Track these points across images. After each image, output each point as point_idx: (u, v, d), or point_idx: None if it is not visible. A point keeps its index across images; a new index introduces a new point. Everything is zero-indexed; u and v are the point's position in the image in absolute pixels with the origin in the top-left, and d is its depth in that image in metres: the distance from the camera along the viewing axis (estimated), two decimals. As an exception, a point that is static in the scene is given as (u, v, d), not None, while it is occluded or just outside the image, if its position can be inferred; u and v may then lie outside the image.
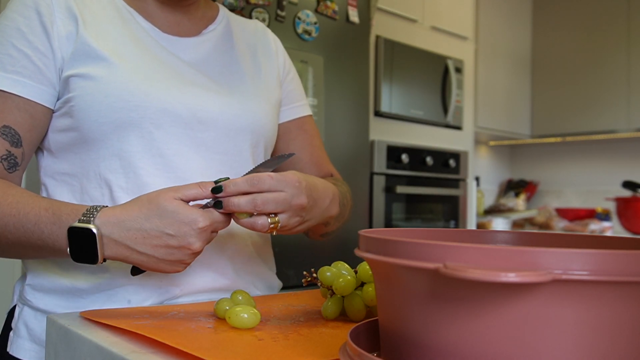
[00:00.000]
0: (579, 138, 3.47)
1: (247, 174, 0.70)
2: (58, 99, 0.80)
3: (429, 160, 2.65)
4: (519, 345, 0.35)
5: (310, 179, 0.75)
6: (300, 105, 1.02)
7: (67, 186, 0.81)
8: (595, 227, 3.14)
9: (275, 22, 1.88)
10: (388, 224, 2.50)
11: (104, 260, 0.67)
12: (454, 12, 2.97)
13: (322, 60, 2.03)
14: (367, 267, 0.68)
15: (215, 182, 0.68)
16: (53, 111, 0.80)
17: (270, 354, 0.51)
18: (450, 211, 2.81)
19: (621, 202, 3.14)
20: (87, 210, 0.67)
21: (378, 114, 2.53)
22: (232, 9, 1.77)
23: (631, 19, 3.21)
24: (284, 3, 1.91)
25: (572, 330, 0.34)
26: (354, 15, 2.14)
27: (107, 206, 0.68)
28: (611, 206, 3.34)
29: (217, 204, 0.68)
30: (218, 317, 0.66)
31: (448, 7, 2.93)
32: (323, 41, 2.05)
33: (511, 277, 0.31)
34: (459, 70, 2.89)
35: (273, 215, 0.69)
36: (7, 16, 0.79)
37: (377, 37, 2.54)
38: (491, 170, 3.89)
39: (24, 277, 0.84)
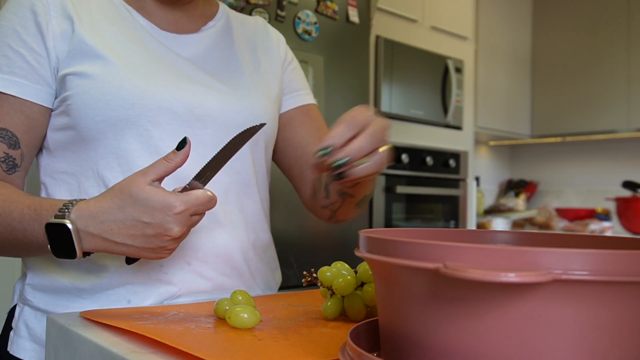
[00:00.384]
0: (579, 138, 3.47)
1: (213, 157, 0.68)
2: (56, 98, 0.80)
3: (429, 160, 2.65)
4: (519, 345, 0.35)
5: None
6: (304, 93, 1.00)
7: (65, 185, 0.81)
8: (595, 227, 3.14)
9: (275, 22, 1.88)
10: (388, 224, 2.50)
11: (86, 254, 0.67)
12: (454, 12, 2.97)
13: (322, 60, 2.03)
14: (368, 267, 0.68)
15: (195, 177, 0.68)
16: (51, 110, 0.80)
17: (270, 354, 0.51)
18: (450, 211, 2.81)
19: (621, 202, 3.14)
20: (63, 205, 0.67)
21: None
22: (232, 9, 1.77)
23: (631, 19, 3.21)
24: (284, 3, 1.91)
25: (572, 330, 0.34)
26: (354, 15, 2.14)
27: (83, 199, 0.68)
28: (611, 206, 3.34)
29: (339, 176, 0.60)
30: (218, 317, 0.66)
31: (448, 7, 2.93)
32: (323, 41, 2.05)
33: (511, 277, 0.31)
34: (459, 70, 2.89)
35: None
36: (3, 16, 0.79)
37: (377, 37, 2.54)
38: (491, 170, 3.89)
39: (24, 276, 0.84)
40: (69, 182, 0.81)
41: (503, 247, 0.34)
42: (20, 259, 1.71)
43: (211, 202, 0.67)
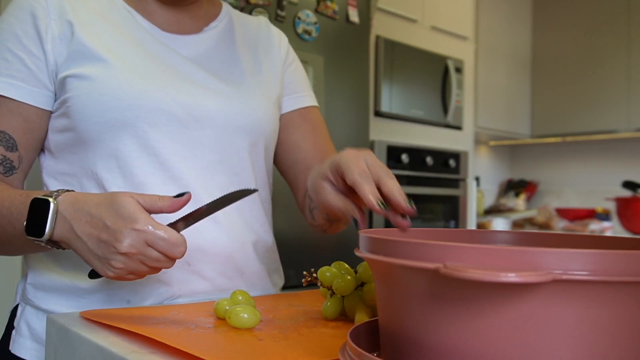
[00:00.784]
0: (579, 138, 3.47)
1: (203, 206, 0.66)
2: (56, 100, 0.80)
3: (429, 160, 2.65)
4: (519, 345, 0.35)
5: None
6: (304, 95, 1.00)
7: (67, 186, 0.81)
8: (595, 227, 3.14)
9: (275, 22, 1.88)
10: (388, 224, 2.50)
11: (51, 243, 0.67)
12: (454, 12, 2.97)
13: (322, 60, 2.03)
14: (368, 266, 0.68)
15: (181, 219, 0.65)
16: (51, 112, 0.81)
17: (270, 354, 0.51)
18: (450, 211, 2.81)
19: (621, 202, 3.14)
20: (57, 190, 0.68)
21: (378, 114, 2.53)
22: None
23: (631, 19, 3.21)
24: (284, 3, 1.91)
25: (572, 330, 0.34)
26: (354, 15, 2.14)
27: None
28: (611, 206, 3.34)
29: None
30: (218, 317, 0.66)
31: (448, 7, 2.93)
32: (323, 41, 2.05)
33: (511, 277, 0.31)
34: (459, 70, 2.89)
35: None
36: (5, 20, 0.80)
37: (377, 37, 2.54)
38: (491, 170, 3.89)
39: (26, 276, 0.84)
40: (71, 183, 0.81)
41: (503, 247, 0.34)
42: (20, 259, 1.71)
43: (175, 247, 0.62)
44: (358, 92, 2.18)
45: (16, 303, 0.85)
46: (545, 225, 3.35)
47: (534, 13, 3.65)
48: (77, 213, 0.65)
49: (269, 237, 0.93)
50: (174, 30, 0.88)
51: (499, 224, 3.24)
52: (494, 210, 3.50)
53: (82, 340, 0.59)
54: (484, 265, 0.34)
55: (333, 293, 0.68)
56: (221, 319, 0.65)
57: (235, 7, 1.79)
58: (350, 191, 0.66)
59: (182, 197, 0.65)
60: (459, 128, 2.93)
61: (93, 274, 0.70)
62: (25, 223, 0.67)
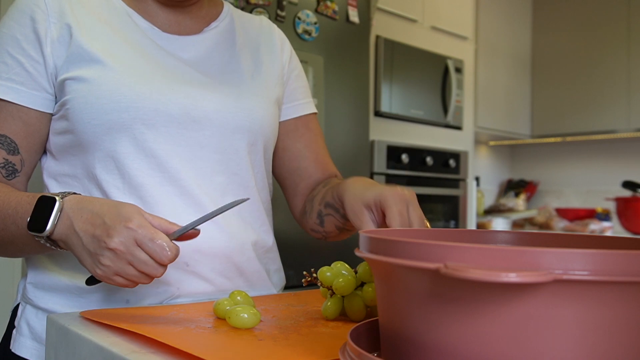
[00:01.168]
0: (579, 138, 3.47)
1: (200, 217, 0.67)
2: (56, 103, 0.81)
3: (429, 160, 2.65)
4: (519, 345, 0.35)
5: None
6: (305, 102, 1.01)
7: (68, 187, 0.82)
8: (595, 227, 3.14)
9: (275, 22, 1.87)
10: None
11: (50, 238, 0.68)
12: (454, 12, 2.97)
13: (322, 60, 2.03)
14: (368, 266, 0.68)
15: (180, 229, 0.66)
16: (51, 115, 0.81)
17: (270, 354, 0.50)
18: (450, 211, 2.81)
19: (621, 202, 3.14)
20: (63, 192, 0.70)
21: (378, 114, 2.53)
22: (232, 9, 1.77)
23: (631, 18, 3.21)
24: (284, 3, 1.91)
25: (573, 331, 0.34)
26: (354, 15, 2.14)
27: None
28: (611, 206, 3.34)
29: None
30: (218, 317, 0.66)
31: (448, 7, 2.93)
32: (323, 41, 2.05)
33: (512, 277, 0.31)
34: (459, 70, 2.89)
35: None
36: (5, 24, 0.81)
37: (377, 37, 2.54)
38: (491, 170, 3.89)
39: (26, 275, 0.85)
40: (72, 184, 0.81)
41: (503, 247, 0.34)
42: (20, 260, 1.71)
43: (163, 251, 0.62)
44: (358, 92, 2.18)
45: (17, 302, 0.86)
46: (545, 225, 3.35)
47: (534, 13, 3.65)
48: (80, 211, 0.66)
49: (269, 238, 0.92)
50: (174, 31, 0.88)
51: (499, 224, 3.24)
52: (494, 210, 3.50)
53: (82, 340, 0.59)
54: (485, 265, 0.34)
55: (333, 293, 0.68)
56: (221, 319, 0.65)
57: (235, 7, 1.79)
58: (385, 226, 0.70)
59: (188, 233, 0.66)
60: (459, 128, 2.93)
61: (90, 281, 0.71)
62: (28, 219, 0.68)
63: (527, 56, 3.63)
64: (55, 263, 0.81)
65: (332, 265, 0.70)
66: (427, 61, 2.75)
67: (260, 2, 1.85)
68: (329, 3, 2.05)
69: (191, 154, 0.82)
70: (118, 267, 0.63)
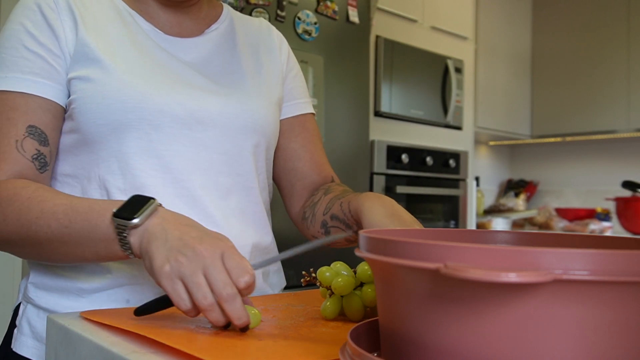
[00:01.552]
0: (579, 138, 3.47)
1: (285, 252, 0.65)
2: None
3: (429, 160, 2.65)
4: (519, 345, 0.35)
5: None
6: (303, 102, 1.01)
7: (68, 187, 0.82)
8: (595, 227, 3.14)
9: (275, 22, 1.88)
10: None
11: (135, 228, 0.65)
12: (454, 12, 2.97)
13: (322, 60, 2.03)
14: (366, 267, 0.68)
15: None
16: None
17: (270, 354, 0.51)
18: (450, 211, 2.81)
19: (621, 202, 3.14)
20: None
21: (378, 114, 2.53)
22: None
23: (631, 18, 3.21)
24: (284, 3, 1.91)
25: (573, 331, 0.34)
26: (354, 15, 2.14)
27: None
28: (611, 206, 3.34)
29: None
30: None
31: (448, 7, 2.93)
32: (323, 41, 2.05)
33: (512, 277, 0.31)
34: (459, 70, 2.89)
35: None
36: (14, 21, 0.80)
37: (377, 37, 2.54)
38: (491, 170, 3.89)
39: (28, 274, 0.85)
40: (72, 184, 0.81)
41: (503, 247, 0.34)
42: (20, 260, 1.71)
43: (243, 271, 0.58)
44: (358, 92, 2.18)
45: (18, 302, 0.86)
46: (545, 225, 3.36)
47: (534, 13, 3.65)
48: (175, 215, 0.65)
49: (270, 238, 0.93)
50: (175, 33, 0.88)
51: (499, 224, 3.24)
52: (494, 210, 3.50)
53: (82, 340, 0.59)
54: (485, 265, 0.34)
55: (332, 293, 0.68)
56: (221, 319, 0.65)
57: (235, 7, 1.79)
58: None
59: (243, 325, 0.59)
60: (458, 128, 2.93)
61: (140, 311, 0.64)
62: (115, 209, 0.66)
63: (527, 56, 3.63)
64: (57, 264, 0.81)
65: (332, 265, 0.70)
66: (427, 61, 2.75)
67: (260, 2, 1.85)
68: (329, 3, 2.05)
69: (196, 155, 0.82)
70: (190, 269, 0.58)
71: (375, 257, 0.40)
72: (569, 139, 3.52)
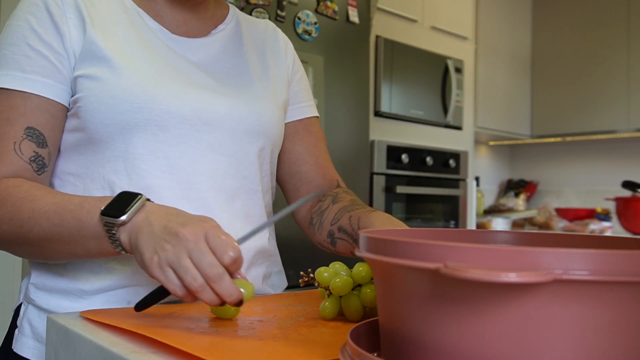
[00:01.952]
0: (579, 138, 3.47)
1: (263, 223, 0.67)
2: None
3: (429, 160, 2.65)
4: (519, 345, 0.35)
5: None
6: (307, 105, 1.01)
7: (70, 186, 0.81)
8: (595, 227, 3.14)
9: (275, 22, 1.88)
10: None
11: (122, 226, 0.65)
12: (454, 12, 2.97)
13: (322, 60, 2.03)
14: (361, 268, 0.68)
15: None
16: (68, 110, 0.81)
17: (270, 354, 0.51)
18: (450, 211, 2.81)
19: (621, 202, 3.14)
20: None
21: (378, 114, 2.53)
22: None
23: (631, 18, 3.21)
24: (284, 3, 1.91)
25: (573, 331, 0.34)
26: (354, 15, 2.14)
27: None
28: (611, 206, 3.34)
29: None
30: (217, 317, 0.66)
31: (448, 7, 2.93)
32: (323, 41, 2.05)
33: (512, 277, 0.31)
34: (459, 70, 2.89)
35: None
36: (19, 17, 0.79)
37: (377, 37, 2.54)
38: (491, 170, 3.89)
39: (29, 275, 0.84)
40: (75, 183, 0.81)
41: (503, 247, 0.34)
42: (20, 260, 1.71)
43: (227, 248, 0.59)
44: (358, 92, 2.18)
45: (19, 302, 0.86)
46: (545, 225, 3.35)
47: (534, 13, 3.65)
48: (160, 207, 0.66)
49: (271, 241, 0.93)
50: (182, 33, 0.88)
51: (499, 224, 3.24)
52: (494, 210, 3.50)
53: (82, 340, 0.59)
54: (485, 265, 0.34)
55: (330, 293, 0.68)
56: (221, 319, 0.65)
57: (235, 7, 1.79)
58: None
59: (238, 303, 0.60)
60: (458, 128, 2.93)
61: (139, 306, 0.65)
62: (103, 207, 0.66)
63: (527, 56, 3.63)
64: (59, 264, 0.81)
65: (330, 265, 0.70)
66: (427, 61, 2.75)
67: (260, 2, 1.85)
68: (329, 3, 2.05)
69: (202, 157, 0.82)
70: (176, 254, 0.59)
71: (375, 257, 0.40)
72: (569, 139, 3.52)
